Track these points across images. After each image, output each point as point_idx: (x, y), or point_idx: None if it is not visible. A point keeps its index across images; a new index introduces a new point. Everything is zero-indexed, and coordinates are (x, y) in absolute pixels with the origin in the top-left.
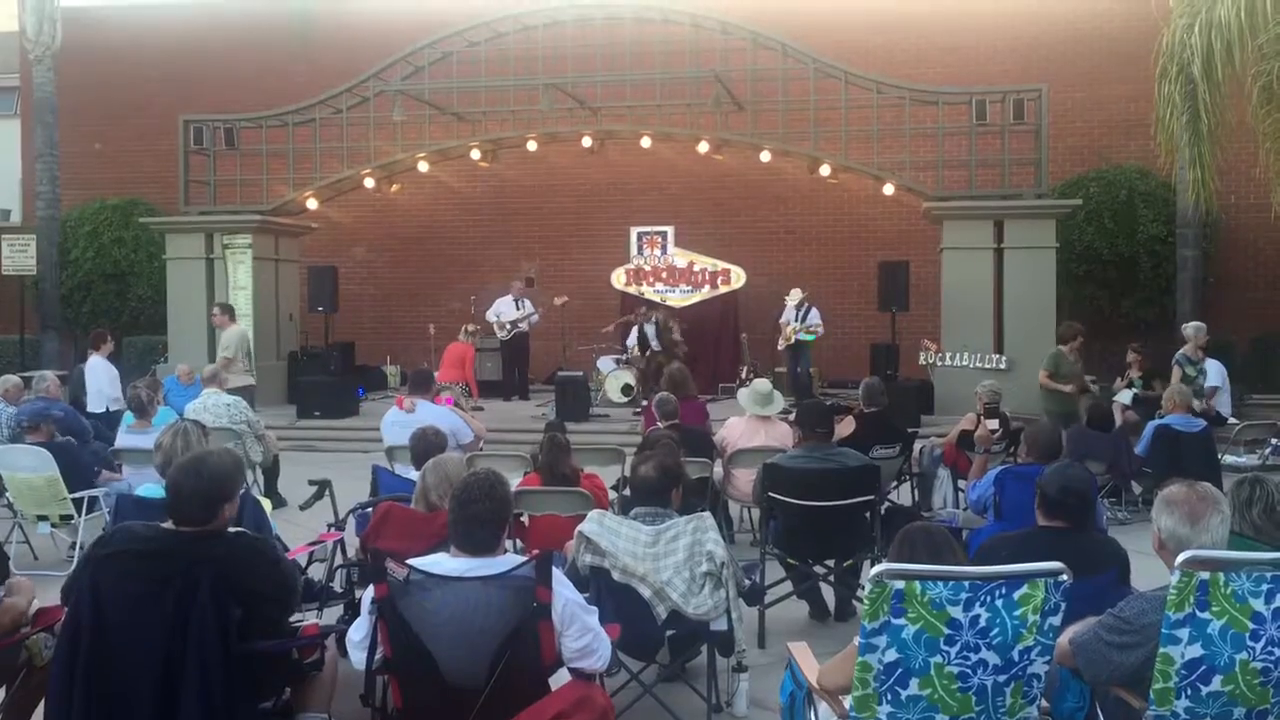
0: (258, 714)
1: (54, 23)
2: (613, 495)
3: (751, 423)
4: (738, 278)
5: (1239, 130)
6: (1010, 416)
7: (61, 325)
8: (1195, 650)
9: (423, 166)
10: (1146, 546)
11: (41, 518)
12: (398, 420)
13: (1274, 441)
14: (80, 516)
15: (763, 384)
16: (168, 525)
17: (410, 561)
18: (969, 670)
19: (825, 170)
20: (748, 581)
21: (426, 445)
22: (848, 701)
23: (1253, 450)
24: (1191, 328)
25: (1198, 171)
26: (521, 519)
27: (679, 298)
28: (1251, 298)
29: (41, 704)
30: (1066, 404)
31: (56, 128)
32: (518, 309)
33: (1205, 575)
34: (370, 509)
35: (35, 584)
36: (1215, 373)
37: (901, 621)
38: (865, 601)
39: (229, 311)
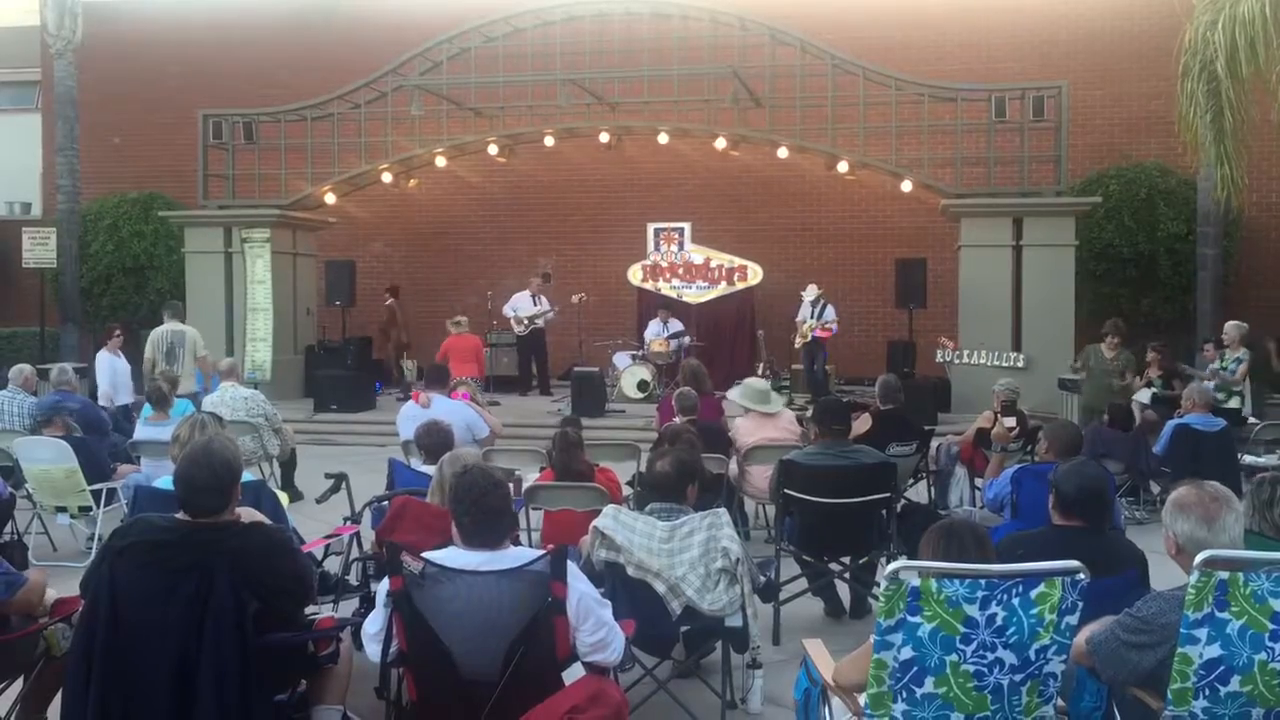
0: (273, 706)
1: (75, 17)
2: (628, 491)
3: (755, 418)
4: (754, 274)
5: (1262, 127)
6: (1028, 414)
7: (81, 318)
8: (1214, 650)
9: (440, 162)
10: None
11: (60, 509)
12: (414, 415)
13: None
14: (99, 508)
15: (759, 382)
16: (182, 516)
17: (426, 555)
18: (985, 669)
19: (843, 167)
20: (763, 578)
21: (435, 439)
22: (862, 699)
23: (1272, 450)
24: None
25: (1225, 168)
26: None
27: (695, 294)
28: (1273, 296)
29: (59, 694)
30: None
31: (77, 122)
32: (535, 305)
33: (1224, 575)
34: (386, 502)
35: (53, 574)
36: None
37: (917, 619)
38: (881, 599)
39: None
